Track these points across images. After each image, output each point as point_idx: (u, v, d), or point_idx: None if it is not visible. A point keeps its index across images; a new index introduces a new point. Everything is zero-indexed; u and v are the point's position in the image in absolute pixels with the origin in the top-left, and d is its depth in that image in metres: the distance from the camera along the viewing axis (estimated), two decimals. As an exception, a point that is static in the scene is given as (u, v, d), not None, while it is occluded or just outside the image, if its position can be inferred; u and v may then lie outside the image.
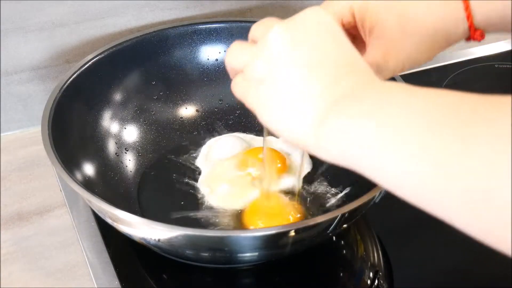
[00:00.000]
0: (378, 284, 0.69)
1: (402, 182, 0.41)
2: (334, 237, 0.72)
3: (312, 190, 0.77)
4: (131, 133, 0.80)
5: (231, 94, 0.86)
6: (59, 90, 0.72)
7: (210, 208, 0.74)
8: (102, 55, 0.77)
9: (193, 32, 0.83)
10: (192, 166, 0.80)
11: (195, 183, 0.77)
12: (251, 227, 0.70)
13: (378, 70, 0.56)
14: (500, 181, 0.35)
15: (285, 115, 0.48)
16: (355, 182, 0.75)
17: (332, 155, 0.46)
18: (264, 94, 0.49)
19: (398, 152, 0.40)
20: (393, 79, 0.74)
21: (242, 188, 0.76)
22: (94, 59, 0.77)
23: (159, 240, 0.62)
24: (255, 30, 0.54)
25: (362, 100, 0.44)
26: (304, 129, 0.47)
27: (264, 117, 0.50)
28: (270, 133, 0.74)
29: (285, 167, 0.78)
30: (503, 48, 1.03)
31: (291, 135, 0.48)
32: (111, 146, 0.78)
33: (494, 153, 0.35)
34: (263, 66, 0.49)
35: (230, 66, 0.54)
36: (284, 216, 0.70)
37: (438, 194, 0.38)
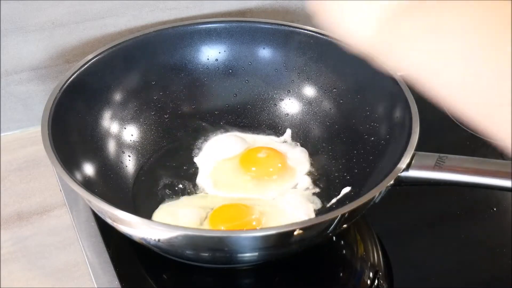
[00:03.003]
0: (378, 284, 0.69)
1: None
2: (334, 237, 0.72)
3: (312, 189, 0.77)
4: (131, 133, 0.80)
5: (232, 94, 0.86)
6: (59, 90, 0.72)
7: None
8: (102, 55, 0.77)
9: (193, 32, 0.83)
10: (193, 166, 0.80)
11: (196, 183, 0.77)
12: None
13: None
14: None
15: (350, 24, 0.46)
16: (355, 182, 0.75)
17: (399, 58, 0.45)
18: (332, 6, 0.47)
19: None
20: (394, 80, 0.74)
21: (242, 188, 0.76)
22: (94, 59, 0.77)
23: (159, 240, 0.62)
24: None
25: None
26: (370, 36, 0.45)
27: (337, 29, 0.48)
28: (270, 133, 0.74)
29: (285, 167, 0.78)
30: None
31: (362, 43, 0.47)
32: (111, 146, 0.78)
33: None
34: None
35: None
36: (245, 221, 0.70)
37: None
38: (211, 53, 0.84)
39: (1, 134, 0.85)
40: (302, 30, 0.82)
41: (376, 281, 0.69)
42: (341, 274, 0.72)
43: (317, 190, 0.77)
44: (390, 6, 0.45)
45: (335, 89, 0.82)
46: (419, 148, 0.66)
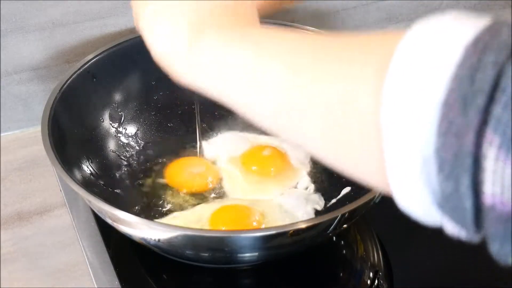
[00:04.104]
0: (378, 284, 0.69)
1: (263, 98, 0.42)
2: (334, 237, 0.72)
3: (312, 189, 0.77)
4: (131, 133, 0.80)
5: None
6: (59, 90, 0.72)
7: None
8: (102, 55, 0.77)
9: (193, 32, 0.83)
10: (192, 166, 0.80)
11: (195, 183, 0.77)
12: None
13: None
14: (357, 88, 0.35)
15: (162, 32, 0.48)
16: (355, 183, 0.75)
17: (201, 78, 0.47)
18: (148, 13, 0.50)
19: (267, 73, 0.41)
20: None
21: (242, 187, 0.76)
22: (94, 59, 0.77)
23: (159, 240, 0.62)
24: None
25: (240, 31, 0.45)
26: (177, 49, 0.47)
27: (147, 37, 0.51)
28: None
29: (286, 167, 0.78)
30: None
31: (166, 55, 0.49)
32: (111, 146, 0.78)
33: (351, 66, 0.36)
34: None
35: None
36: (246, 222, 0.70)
37: (299, 106, 0.39)
38: (211, 53, 0.84)
39: (1, 134, 0.85)
40: (302, 30, 0.82)
41: (376, 281, 0.69)
42: (341, 274, 0.72)
43: (317, 190, 0.77)
44: (199, 20, 0.46)
45: (335, 89, 0.82)
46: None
